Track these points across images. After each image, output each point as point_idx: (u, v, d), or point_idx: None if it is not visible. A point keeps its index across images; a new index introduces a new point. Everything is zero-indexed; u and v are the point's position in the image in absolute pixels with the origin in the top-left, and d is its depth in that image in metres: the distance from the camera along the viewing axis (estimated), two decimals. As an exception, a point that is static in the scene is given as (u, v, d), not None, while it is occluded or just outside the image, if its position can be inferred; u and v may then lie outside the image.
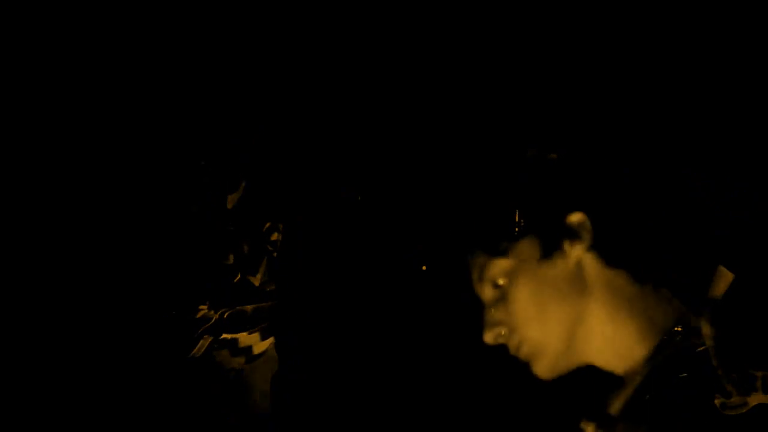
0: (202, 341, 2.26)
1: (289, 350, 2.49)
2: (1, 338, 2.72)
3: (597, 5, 2.33)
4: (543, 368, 0.86)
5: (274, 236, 2.39)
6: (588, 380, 0.87)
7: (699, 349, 0.79)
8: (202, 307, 2.35)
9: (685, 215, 0.87)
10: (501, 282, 0.86)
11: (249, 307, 2.40)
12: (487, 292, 0.87)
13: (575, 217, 0.83)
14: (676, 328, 0.81)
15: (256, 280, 2.37)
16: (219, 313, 2.28)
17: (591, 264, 0.83)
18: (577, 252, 0.83)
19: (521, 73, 1.77)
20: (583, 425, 0.81)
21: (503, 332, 0.87)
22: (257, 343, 2.46)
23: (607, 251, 0.83)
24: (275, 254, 2.36)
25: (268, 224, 2.40)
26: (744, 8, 2.20)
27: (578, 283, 0.83)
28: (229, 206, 2.45)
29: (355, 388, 2.70)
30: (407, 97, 2.68)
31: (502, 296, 0.86)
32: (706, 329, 0.76)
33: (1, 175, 2.76)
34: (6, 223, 2.77)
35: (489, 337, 0.87)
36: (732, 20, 2.22)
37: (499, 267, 0.85)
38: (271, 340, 2.47)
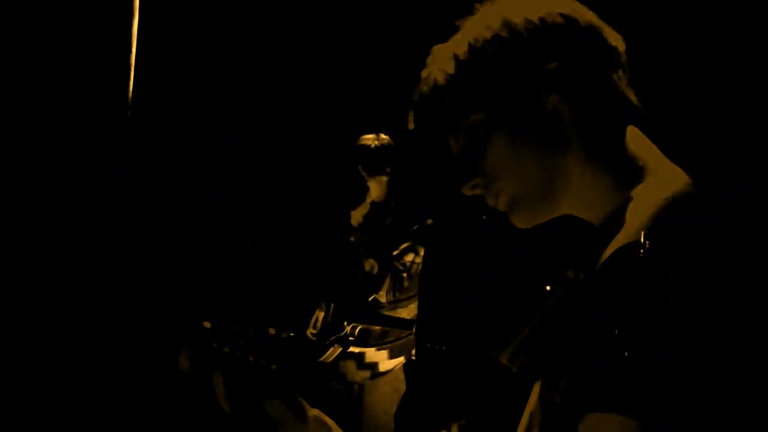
0: (332, 349, 2.27)
1: (419, 373, 2.48)
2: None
3: (598, 6, 2.32)
4: (521, 217, 0.84)
5: (409, 257, 2.41)
6: (568, 230, 0.84)
7: (682, 195, 0.75)
8: (320, 313, 2.37)
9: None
10: (477, 132, 0.83)
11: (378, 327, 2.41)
12: (461, 143, 0.85)
13: (550, 67, 0.81)
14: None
15: (382, 297, 2.39)
16: (351, 326, 2.30)
17: (567, 114, 0.81)
18: (552, 102, 0.81)
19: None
20: (564, 271, 0.78)
21: (480, 182, 0.84)
22: (384, 361, 2.46)
23: (582, 103, 0.81)
24: (405, 275, 2.39)
25: (404, 245, 2.42)
26: (744, 8, 2.20)
27: (555, 133, 0.81)
28: (354, 223, 2.48)
29: (482, 414, 2.69)
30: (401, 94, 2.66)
31: (479, 147, 0.83)
32: None
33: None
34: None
35: (466, 189, 0.85)
36: (732, 20, 2.22)
37: (474, 118, 0.83)
38: (399, 360, 2.47)
